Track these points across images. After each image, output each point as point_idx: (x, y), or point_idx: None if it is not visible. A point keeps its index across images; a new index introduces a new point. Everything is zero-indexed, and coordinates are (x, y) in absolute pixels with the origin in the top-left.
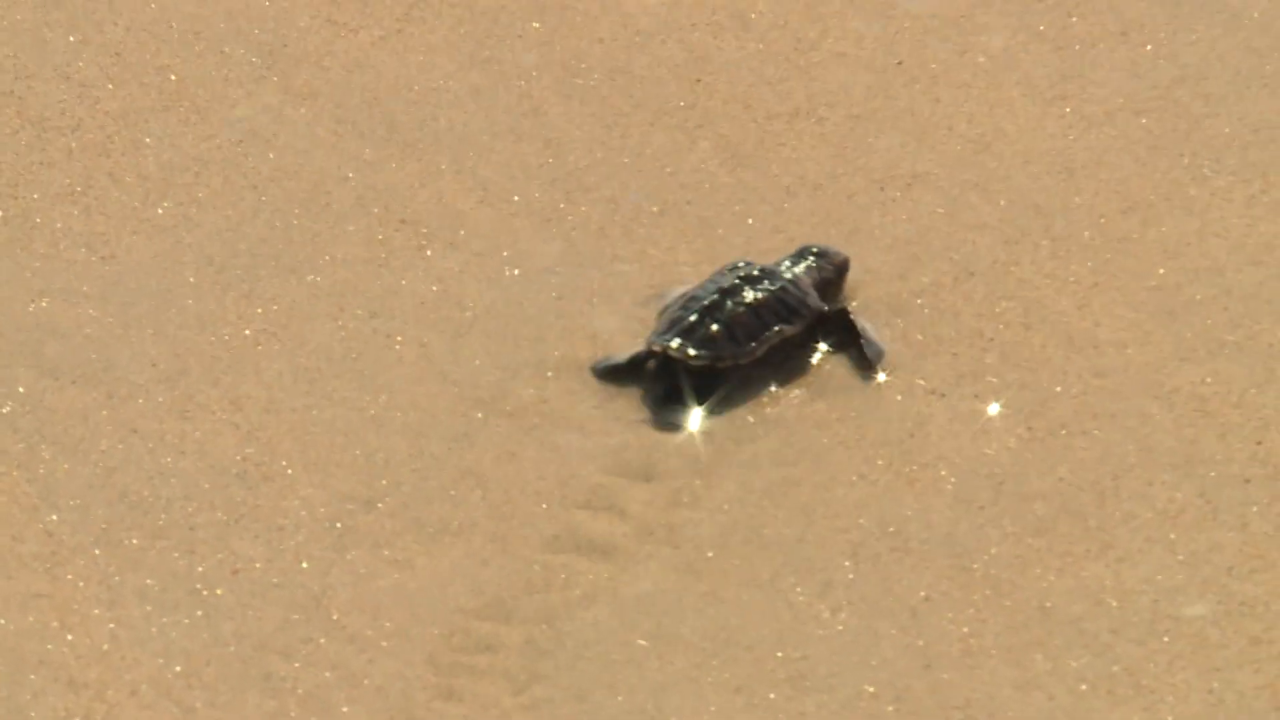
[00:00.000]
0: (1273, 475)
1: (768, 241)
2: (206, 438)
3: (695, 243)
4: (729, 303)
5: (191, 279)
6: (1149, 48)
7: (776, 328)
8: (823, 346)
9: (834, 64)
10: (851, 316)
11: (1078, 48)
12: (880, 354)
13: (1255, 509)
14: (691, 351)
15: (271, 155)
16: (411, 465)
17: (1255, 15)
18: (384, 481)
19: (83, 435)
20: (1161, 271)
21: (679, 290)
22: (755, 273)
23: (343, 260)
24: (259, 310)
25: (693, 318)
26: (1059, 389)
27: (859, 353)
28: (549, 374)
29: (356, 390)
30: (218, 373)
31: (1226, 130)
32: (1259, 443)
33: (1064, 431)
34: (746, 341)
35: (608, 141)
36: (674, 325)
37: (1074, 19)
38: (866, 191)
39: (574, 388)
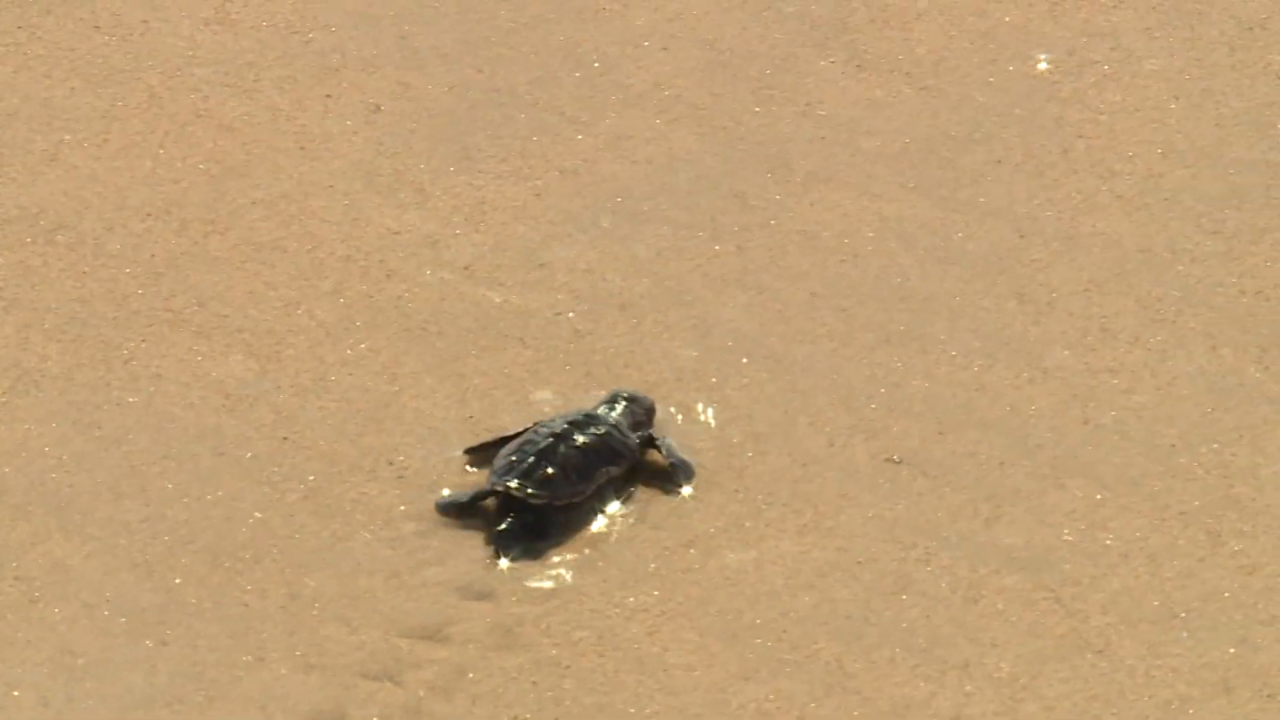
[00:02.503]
0: None
1: (355, 582)
2: None
3: (290, 583)
4: (562, 447)
5: None
6: (702, 393)
7: (605, 469)
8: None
9: (412, 419)
10: (658, 440)
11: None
12: (690, 472)
13: None
14: (530, 491)
15: None
16: None
17: (798, 359)
18: None
19: None
20: (723, 598)
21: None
22: (581, 418)
23: None
24: None
25: (530, 460)
26: (632, 710)
27: (672, 471)
28: (160, 715)
29: None
30: None
31: (777, 466)
32: None
33: None
34: (580, 482)
35: (203, 496)
36: (513, 468)
37: (637, 377)
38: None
39: None
